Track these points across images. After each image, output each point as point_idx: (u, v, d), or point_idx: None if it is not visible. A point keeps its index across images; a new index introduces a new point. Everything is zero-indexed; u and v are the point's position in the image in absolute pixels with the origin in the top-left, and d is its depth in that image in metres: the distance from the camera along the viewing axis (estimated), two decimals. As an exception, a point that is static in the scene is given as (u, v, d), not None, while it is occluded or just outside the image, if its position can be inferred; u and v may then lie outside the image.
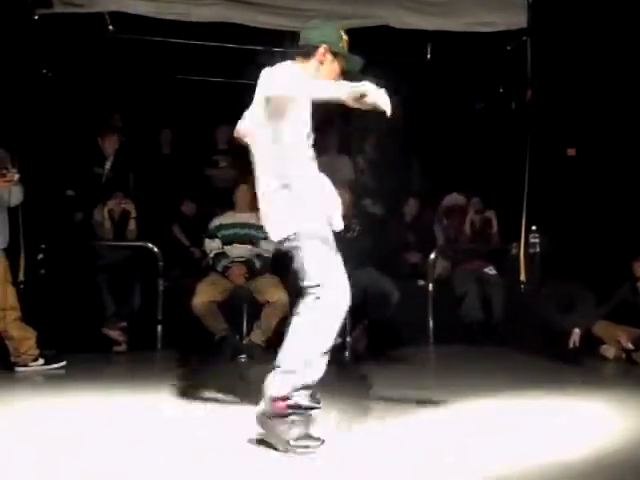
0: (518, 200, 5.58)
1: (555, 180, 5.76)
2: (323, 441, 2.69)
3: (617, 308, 5.02)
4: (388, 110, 2.50)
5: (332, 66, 2.90)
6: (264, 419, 2.71)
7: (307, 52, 2.90)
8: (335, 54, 2.90)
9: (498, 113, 6.90)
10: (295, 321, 2.77)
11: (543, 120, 5.67)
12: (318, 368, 2.74)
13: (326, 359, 2.77)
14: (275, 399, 2.68)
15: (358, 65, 2.97)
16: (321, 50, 2.87)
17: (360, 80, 2.57)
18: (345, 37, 2.96)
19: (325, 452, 2.70)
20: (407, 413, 3.36)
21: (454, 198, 6.57)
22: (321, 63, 2.88)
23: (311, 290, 2.75)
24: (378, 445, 2.86)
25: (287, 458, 2.64)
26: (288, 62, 2.88)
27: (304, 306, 2.76)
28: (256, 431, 2.75)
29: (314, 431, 2.74)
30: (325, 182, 2.94)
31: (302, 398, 2.71)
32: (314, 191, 2.84)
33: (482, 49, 6.29)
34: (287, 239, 2.81)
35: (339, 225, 2.92)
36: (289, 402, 2.68)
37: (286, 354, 2.73)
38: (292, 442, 2.66)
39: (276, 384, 2.70)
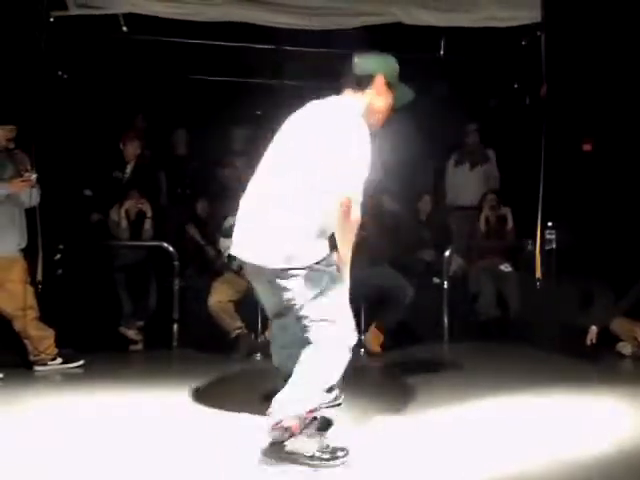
0: (534, 196, 5.54)
1: (571, 176, 5.71)
2: (347, 451, 2.64)
3: (634, 305, 4.96)
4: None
5: (387, 97, 2.81)
6: (279, 448, 2.59)
7: (361, 82, 2.78)
8: (389, 85, 2.82)
9: (513, 109, 6.85)
10: (308, 355, 2.66)
11: (558, 115, 5.62)
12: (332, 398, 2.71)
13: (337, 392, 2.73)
14: (298, 416, 2.61)
15: (408, 97, 2.90)
16: (379, 80, 2.78)
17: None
18: (397, 67, 2.87)
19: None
20: (422, 411, 3.37)
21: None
22: (379, 94, 2.79)
23: (320, 324, 2.65)
24: (394, 443, 2.87)
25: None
26: (350, 115, 2.69)
27: (314, 343, 2.66)
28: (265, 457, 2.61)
29: (332, 440, 2.70)
30: None
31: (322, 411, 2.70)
32: None
33: (496, 44, 6.25)
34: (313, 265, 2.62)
35: None
36: (315, 414, 2.65)
37: (303, 387, 2.65)
38: (317, 454, 2.60)
39: (298, 402, 2.63)
